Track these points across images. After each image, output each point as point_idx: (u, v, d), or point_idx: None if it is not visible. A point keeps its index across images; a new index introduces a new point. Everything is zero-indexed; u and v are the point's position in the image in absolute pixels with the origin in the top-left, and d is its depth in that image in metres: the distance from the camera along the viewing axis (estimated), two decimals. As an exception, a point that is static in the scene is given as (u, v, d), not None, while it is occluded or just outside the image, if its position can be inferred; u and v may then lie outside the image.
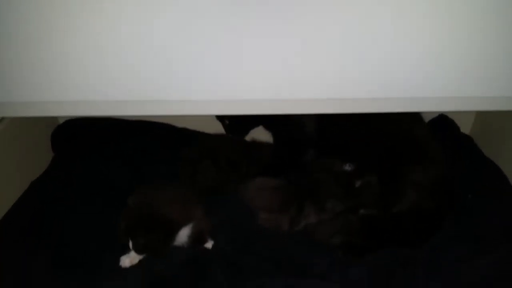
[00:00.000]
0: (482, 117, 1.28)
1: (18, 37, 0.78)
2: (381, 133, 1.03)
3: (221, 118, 1.20)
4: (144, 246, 0.84)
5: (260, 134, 1.23)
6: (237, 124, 1.18)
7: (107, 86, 0.85)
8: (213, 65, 0.81)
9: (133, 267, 0.84)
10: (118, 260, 0.87)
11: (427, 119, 1.17)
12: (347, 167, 1.03)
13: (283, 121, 1.11)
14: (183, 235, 0.88)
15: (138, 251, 0.85)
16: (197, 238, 0.89)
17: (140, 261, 0.85)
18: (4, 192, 1.06)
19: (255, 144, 1.21)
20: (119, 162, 1.18)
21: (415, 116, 1.06)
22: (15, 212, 1.04)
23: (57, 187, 1.11)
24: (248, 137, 1.24)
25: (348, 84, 0.85)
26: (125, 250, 0.87)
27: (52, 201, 1.07)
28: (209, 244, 0.90)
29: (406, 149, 1.00)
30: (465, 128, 1.30)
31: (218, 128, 1.24)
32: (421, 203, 0.94)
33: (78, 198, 1.06)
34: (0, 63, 0.81)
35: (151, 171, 1.14)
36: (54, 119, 1.29)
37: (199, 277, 0.81)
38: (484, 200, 1.03)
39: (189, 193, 0.98)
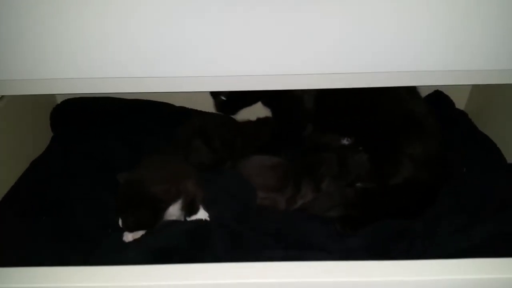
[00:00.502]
0: (477, 92, 1.29)
1: (16, 15, 0.79)
2: (378, 107, 1.04)
3: (215, 94, 1.18)
4: (133, 224, 0.85)
5: (258, 111, 1.24)
6: (235, 101, 1.17)
7: (104, 63, 0.85)
8: (214, 40, 0.82)
9: (135, 240, 0.86)
10: (118, 235, 0.88)
11: (423, 94, 1.18)
12: (345, 141, 1.05)
13: (282, 98, 1.12)
14: (174, 210, 0.89)
15: (127, 229, 0.86)
16: (189, 211, 0.90)
17: (142, 235, 0.87)
18: (5, 170, 1.07)
19: (249, 122, 1.21)
20: (118, 141, 1.19)
21: (412, 91, 1.07)
22: (16, 190, 1.05)
23: (57, 165, 1.13)
24: (242, 115, 1.23)
25: (345, 58, 0.86)
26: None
27: (52, 178, 1.08)
28: (202, 215, 0.90)
29: (403, 123, 1.01)
30: (460, 103, 1.31)
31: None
32: (417, 176, 0.96)
33: (78, 176, 1.08)
34: (-1, 41, 0.80)
35: (149, 149, 1.15)
36: (52, 98, 1.30)
37: (200, 248, 0.83)
38: (478, 173, 1.05)
39: (180, 167, 0.98)
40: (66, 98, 1.29)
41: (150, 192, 0.86)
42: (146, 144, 1.18)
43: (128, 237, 0.87)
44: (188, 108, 1.32)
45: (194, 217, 0.90)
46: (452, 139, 1.14)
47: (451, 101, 1.29)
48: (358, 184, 1.00)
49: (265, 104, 1.19)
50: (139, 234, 0.87)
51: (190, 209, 0.90)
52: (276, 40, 0.83)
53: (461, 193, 0.98)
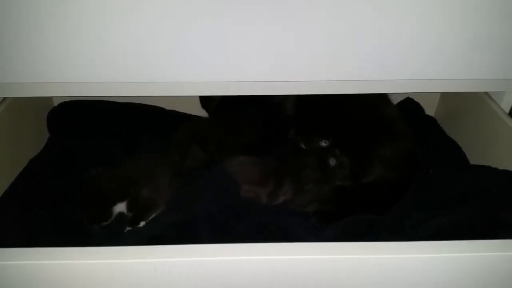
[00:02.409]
0: (446, 100, 1.36)
1: (17, 18, 0.84)
2: (353, 112, 1.14)
3: (206, 102, 1.27)
4: (86, 217, 0.94)
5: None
6: (224, 106, 1.26)
7: (101, 67, 0.92)
8: (208, 46, 0.89)
9: (127, 232, 0.94)
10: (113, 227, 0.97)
11: (395, 101, 1.28)
12: (323, 143, 1.14)
13: (267, 103, 1.21)
14: (121, 209, 0.98)
15: (87, 222, 0.94)
16: (132, 220, 0.97)
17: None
18: (5, 169, 1.13)
19: (237, 123, 1.28)
20: (112, 142, 1.26)
21: (383, 97, 1.18)
22: (15, 187, 1.12)
23: (53, 164, 1.17)
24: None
25: (322, 66, 0.95)
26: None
27: (49, 176, 1.14)
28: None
29: (376, 127, 1.11)
30: (430, 110, 1.40)
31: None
32: (387, 175, 1.06)
33: (73, 174, 1.13)
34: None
35: (141, 151, 1.22)
36: (49, 101, 1.36)
37: (186, 237, 0.91)
38: (444, 173, 1.13)
39: (152, 171, 1.05)
40: (62, 100, 1.36)
41: (99, 189, 0.95)
42: (139, 146, 1.26)
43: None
44: (178, 112, 1.40)
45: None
46: (422, 142, 1.23)
47: (421, 107, 1.38)
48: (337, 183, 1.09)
49: (254, 108, 1.28)
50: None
51: (133, 217, 0.98)
52: (266, 48, 0.91)
53: (428, 191, 1.07)
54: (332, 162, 1.11)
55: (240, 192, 1.05)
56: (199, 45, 0.90)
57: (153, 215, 0.99)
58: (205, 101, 1.30)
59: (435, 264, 0.72)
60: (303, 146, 1.19)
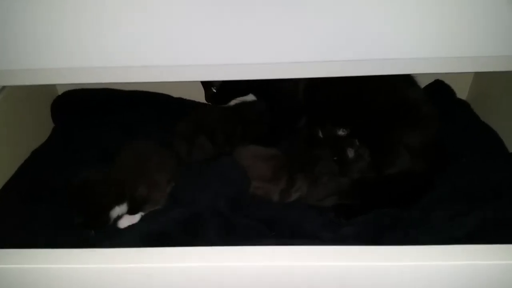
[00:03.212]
0: (479, 81, 1.27)
1: (16, 3, 0.79)
2: (372, 96, 1.03)
3: (207, 85, 1.17)
4: (81, 224, 0.87)
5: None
6: (226, 92, 1.16)
7: (103, 52, 0.85)
8: (211, 29, 0.81)
9: (133, 226, 0.87)
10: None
11: (422, 84, 1.17)
12: (341, 132, 1.04)
13: (275, 90, 1.11)
14: (121, 211, 0.91)
15: (80, 227, 0.88)
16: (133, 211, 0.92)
17: (137, 224, 0.88)
18: (6, 160, 1.08)
19: (246, 106, 1.20)
20: (117, 130, 1.21)
21: (408, 79, 1.06)
22: (18, 178, 1.07)
23: (58, 155, 1.14)
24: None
25: (342, 45, 0.85)
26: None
27: (53, 167, 1.09)
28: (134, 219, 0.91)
29: (398, 111, 1.00)
30: (462, 93, 1.29)
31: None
32: (414, 166, 0.95)
33: (78, 165, 1.07)
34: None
35: (147, 139, 1.14)
36: (53, 90, 1.31)
37: (193, 234, 0.83)
38: (477, 162, 1.03)
39: (147, 162, 0.98)
40: (66, 89, 1.31)
41: (93, 195, 0.88)
42: (145, 134, 1.18)
43: (125, 223, 0.87)
44: (185, 99, 1.33)
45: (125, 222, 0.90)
46: (453, 129, 1.13)
47: (452, 90, 1.27)
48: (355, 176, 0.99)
49: (257, 96, 1.19)
50: (135, 219, 0.87)
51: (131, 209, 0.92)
52: (268, 27, 0.82)
53: (458, 181, 0.97)
54: (350, 153, 1.01)
55: (249, 185, 0.97)
56: (199, 26, 0.82)
57: (152, 209, 0.92)
58: (205, 88, 1.20)
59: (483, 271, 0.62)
60: (321, 135, 1.08)
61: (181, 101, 1.32)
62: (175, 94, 1.33)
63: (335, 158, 0.99)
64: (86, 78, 0.91)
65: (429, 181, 0.95)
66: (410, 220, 0.88)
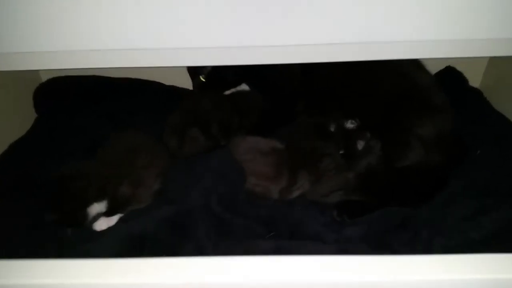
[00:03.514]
0: (494, 68, 1.20)
1: None
2: (379, 81, 0.95)
3: (194, 74, 1.08)
4: (58, 221, 0.80)
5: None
6: (215, 82, 1.07)
7: (87, 34, 0.79)
8: (199, 9, 0.74)
9: (112, 227, 0.79)
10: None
11: (432, 71, 1.08)
12: (349, 124, 0.95)
13: (269, 76, 1.03)
14: (99, 208, 0.83)
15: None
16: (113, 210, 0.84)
17: (117, 223, 0.80)
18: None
19: (240, 97, 1.11)
20: (105, 122, 1.13)
21: (416, 63, 0.98)
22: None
23: (41, 146, 1.08)
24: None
25: (344, 27, 0.77)
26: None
27: (36, 159, 1.02)
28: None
29: (410, 99, 0.92)
30: (475, 80, 1.22)
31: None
32: (427, 158, 0.87)
33: (63, 157, 1.01)
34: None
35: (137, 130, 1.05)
36: (37, 77, 1.23)
37: (181, 237, 0.75)
38: (493, 155, 0.96)
39: (132, 156, 0.90)
40: (51, 76, 1.23)
41: (69, 190, 0.80)
42: (134, 123, 1.11)
43: (102, 225, 0.80)
44: (178, 87, 1.25)
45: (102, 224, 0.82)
46: (465, 118, 1.05)
47: (464, 77, 1.20)
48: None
49: (251, 85, 1.10)
50: (112, 221, 0.80)
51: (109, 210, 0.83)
52: (267, 8, 0.74)
53: (473, 176, 0.90)
54: (360, 145, 0.92)
55: (245, 181, 0.89)
56: (187, 6, 0.74)
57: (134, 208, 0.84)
58: (193, 76, 1.11)
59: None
60: (332, 129, 0.98)
61: (173, 90, 1.24)
62: (168, 81, 1.26)
63: (341, 152, 0.90)
64: (71, 62, 0.84)
65: (443, 176, 0.87)
66: (421, 219, 0.80)
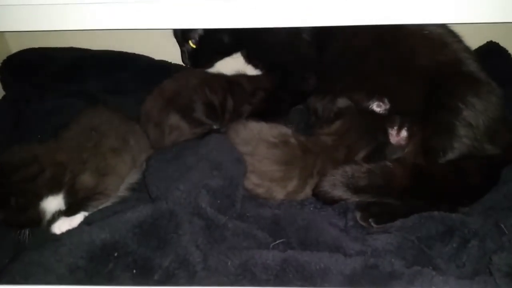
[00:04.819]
0: None
1: None
2: (412, 53, 0.78)
3: (183, 40, 0.92)
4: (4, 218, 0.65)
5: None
6: (208, 48, 0.91)
7: None
8: None
9: (72, 231, 0.61)
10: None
11: (472, 47, 0.90)
12: (376, 107, 0.76)
13: (272, 42, 0.87)
14: (56, 204, 0.67)
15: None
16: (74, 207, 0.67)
17: (80, 225, 0.63)
18: None
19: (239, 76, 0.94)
20: (83, 103, 0.97)
21: (456, 36, 0.81)
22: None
23: (3, 131, 0.95)
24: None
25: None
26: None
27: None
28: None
29: (453, 77, 0.74)
30: None
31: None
32: (477, 149, 0.70)
33: (31, 141, 0.87)
34: None
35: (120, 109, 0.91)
36: (5, 47, 1.08)
37: (159, 245, 0.58)
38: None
39: (98, 140, 0.73)
40: (21, 48, 1.07)
41: (17, 179, 0.64)
42: (116, 103, 0.97)
43: (62, 226, 0.62)
44: (169, 62, 1.08)
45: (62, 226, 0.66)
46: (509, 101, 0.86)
47: (509, 54, 1.04)
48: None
49: (249, 55, 0.95)
50: (75, 221, 0.64)
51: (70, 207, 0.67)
52: None
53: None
54: (393, 136, 0.75)
55: (244, 173, 0.71)
56: None
57: (100, 207, 0.67)
58: (181, 43, 0.94)
59: None
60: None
61: (165, 65, 1.08)
62: (158, 56, 1.09)
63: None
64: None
65: (495, 172, 0.69)
66: (469, 228, 0.63)
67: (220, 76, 0.93)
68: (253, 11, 0.67)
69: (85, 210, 0.67)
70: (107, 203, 0.69)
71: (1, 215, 0.64)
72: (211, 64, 0.96)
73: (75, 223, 0.65)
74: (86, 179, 0.67)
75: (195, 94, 0.85)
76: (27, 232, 0.66)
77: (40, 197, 0.65)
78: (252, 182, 0.72)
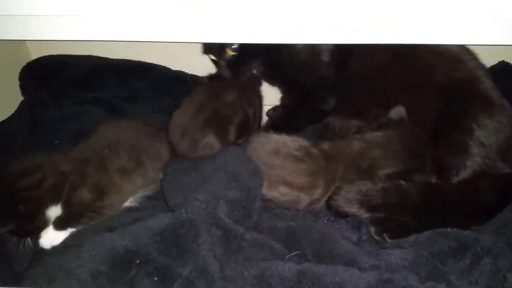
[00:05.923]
0: None
1: None
2: (428, 72, 0.79)
3: (221, 46, 0.90)
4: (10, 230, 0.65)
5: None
6: (248, 53, 0.89)
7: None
8: None
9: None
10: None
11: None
12: (393, 115, 0.77)
13: (292, 62, 0.89)
14: (57, 213, 0.68)
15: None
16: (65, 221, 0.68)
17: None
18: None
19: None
20: (101, 111, 1.00)
21: (471, 54, 0.83)
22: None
23: (22, 137, 0.96)
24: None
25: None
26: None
27: (14, 152, 0.91)
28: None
29: (468, 95, 0.75)
30: None
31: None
32: (490, 167, 0.71)
33: (48, 147, 0.88)
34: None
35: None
36: (25, 54, 1.09)
37: (177, 254, 0.59)
38: None
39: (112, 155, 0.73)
40: (41, 54, 1.09)
41: (14, 189, 0.64)
42: (133, 111, 0.99)
43: (45, 240, 0.65)
44: (186, 73, 1.09)
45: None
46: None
47: None
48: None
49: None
50: (59, 237, 0.66)
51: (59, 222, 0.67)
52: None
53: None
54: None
55: (261, 183, 0.72)
56: None
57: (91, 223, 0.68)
58: (220, 46, 0.91)
59: None
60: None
61: (181, 75, 1.09)
62: (174, 66, 1.10)
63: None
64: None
65: (508, 190, 0.70)
66: (483, 245, 0.64)
67: (253, 86, 0.93)
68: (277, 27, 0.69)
69: (74, 226, 0.67)
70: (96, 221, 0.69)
71: (12, 224, 0.64)
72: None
73: (58, 240, 0.65)
74: (83, 194, 0.67)
75: (233, 114, 0.83)
76: (29, 240, 0.66)
77: (46, 205, 0.66)
78: (279, 191, 0.73)
